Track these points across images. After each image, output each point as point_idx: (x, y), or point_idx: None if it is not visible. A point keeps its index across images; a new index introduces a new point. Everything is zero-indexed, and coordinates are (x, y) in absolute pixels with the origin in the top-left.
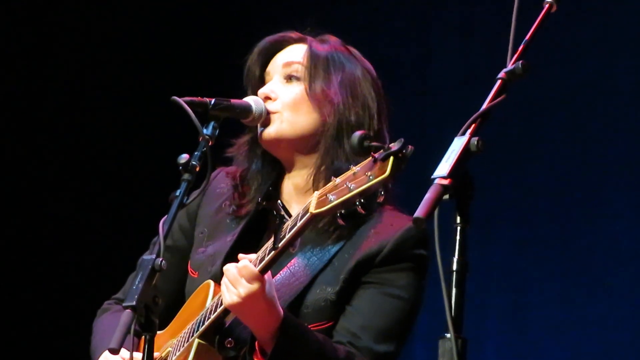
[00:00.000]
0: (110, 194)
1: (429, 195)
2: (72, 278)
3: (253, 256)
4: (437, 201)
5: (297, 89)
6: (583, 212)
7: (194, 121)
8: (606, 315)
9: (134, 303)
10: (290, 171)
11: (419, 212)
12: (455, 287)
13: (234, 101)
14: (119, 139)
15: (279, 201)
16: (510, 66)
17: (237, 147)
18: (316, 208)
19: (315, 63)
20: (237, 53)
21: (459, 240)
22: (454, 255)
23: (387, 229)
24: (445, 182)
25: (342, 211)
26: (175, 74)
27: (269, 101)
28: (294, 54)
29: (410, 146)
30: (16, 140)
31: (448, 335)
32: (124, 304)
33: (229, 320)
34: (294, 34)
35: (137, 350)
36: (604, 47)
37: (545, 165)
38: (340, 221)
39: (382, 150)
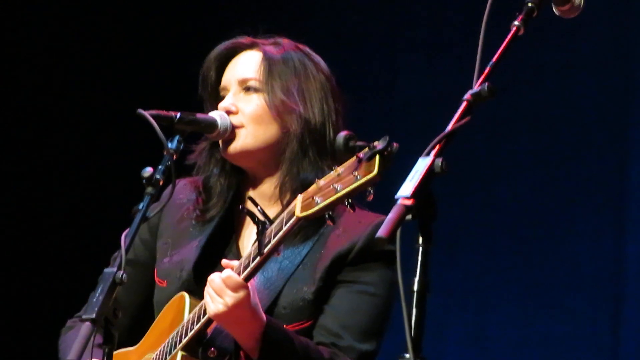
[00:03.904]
0: (73, 207)
1: (391, 216)
2: (32, 294)
3: (236, 263)
4: (400, 221)
5: (257, 101)
6: (545, 234)
7: (159, 135)
8: (567, 337)
9: (93, 316)
10: (255, 180)
11: (382, 232)
12: (416, 307)
13: (199, 115)
14: (83, 152)
15: (259, 207)
16: (476, 88)
17: (197, 154)
18: (302, 211)
19: (271, 72)
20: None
21: (421, 260)
22: (415, 276)
23: (355, 226)
24: (409, 202)
25: (330, 212)
26: (142, 87)
27: (231, 115)
28: (249, 66)
29: (395, 144)
30: None
31: (407, 355)
32: (83, 316)
33: (210, 330)
34: (245, 40)
35: None
36: (568, 70)
37: (508, 187)
38: (330, 222)
39: (367, 149)
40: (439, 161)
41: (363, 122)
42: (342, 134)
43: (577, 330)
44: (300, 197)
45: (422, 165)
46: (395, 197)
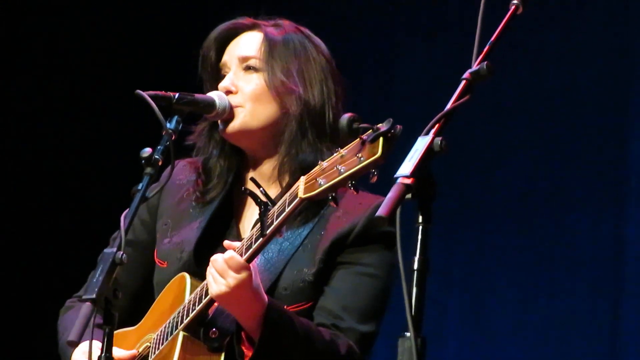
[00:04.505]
0: (72, 187)
1: (391, 195)
2: (32, 274)
3: (238, 244)
4: (400, 200)
5: (257, 81)
6: (545, 214)
7: (158, 115)
8: (566, 317)
9: (94, 296)
10: (254, 161)
11: (381, 211)
12: (416, 286)
13: (197, 96)
14: (82, 132)
15: (261, 188)
16: (475, 67)
17: (196, 135)
18: (305, 192)
19: (272, 53)
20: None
21: (421, 239)
22: (415, 255)
23: (355, 207)
24: (408, 181)
25: (333, 194)
26: (140, 68)
27: (230, 94)
28: (250, 45)
29: (398, 126)
30: None
31: (408, 334)
32: (83, 297)
33: (211, 311)
34: (246, 21)
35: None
36: (568, 50)
37: (508, 166)
38: (333, 204)
39: (370, 131)
40: (438, 140)
41: (363, 104)
42: (346, 116)
43: (576, 311)
44: (303, 178)
45: (421, 144)
46: (395, 176)
